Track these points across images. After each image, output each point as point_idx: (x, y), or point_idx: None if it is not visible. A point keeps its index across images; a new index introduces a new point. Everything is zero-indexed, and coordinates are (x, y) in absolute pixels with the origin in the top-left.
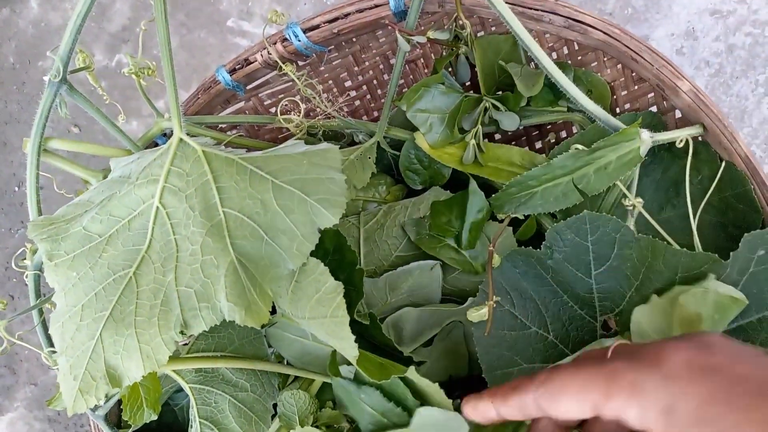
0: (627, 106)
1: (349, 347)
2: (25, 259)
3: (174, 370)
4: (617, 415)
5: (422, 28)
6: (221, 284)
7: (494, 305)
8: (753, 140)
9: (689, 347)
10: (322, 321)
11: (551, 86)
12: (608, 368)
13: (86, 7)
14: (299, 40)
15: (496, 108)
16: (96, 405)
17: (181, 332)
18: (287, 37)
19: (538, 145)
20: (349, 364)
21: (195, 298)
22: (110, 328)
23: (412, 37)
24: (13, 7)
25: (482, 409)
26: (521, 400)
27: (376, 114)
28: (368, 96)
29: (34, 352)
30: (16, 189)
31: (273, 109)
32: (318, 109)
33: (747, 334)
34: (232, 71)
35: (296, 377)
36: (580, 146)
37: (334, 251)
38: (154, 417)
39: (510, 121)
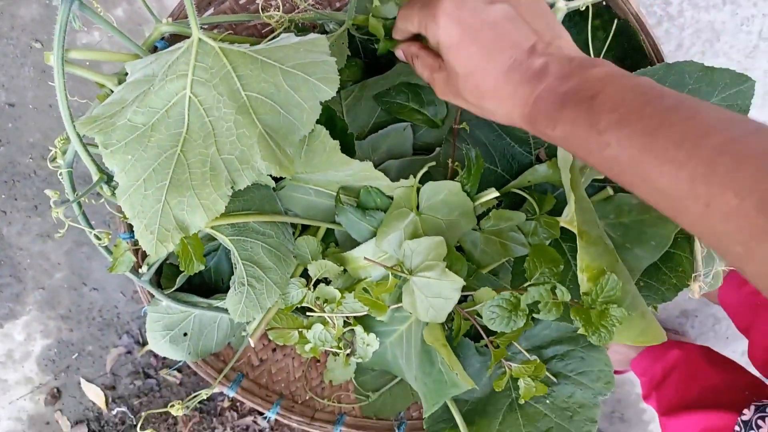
0: None
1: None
2: (55, 159)
3: (213, 228)
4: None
5: None
6: (255, 150)
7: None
8: (654, 0)
9: None
10: (328, 169)
11: None
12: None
13: None
14: None
15: None
16: (141, 273)
17: (231, 187)
18: None
19: None
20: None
21: (237, 162)
22: (173, 192)
23: None
24: None
25: (398, 27)
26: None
27: (338, 5)
28: None
29: (36, 260)
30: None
31: (249, 9)
32: (288, 5)
33: None
34: None
35: (305, 227)
36: None
37: (327, 121)
38: (202, 267)
39: None
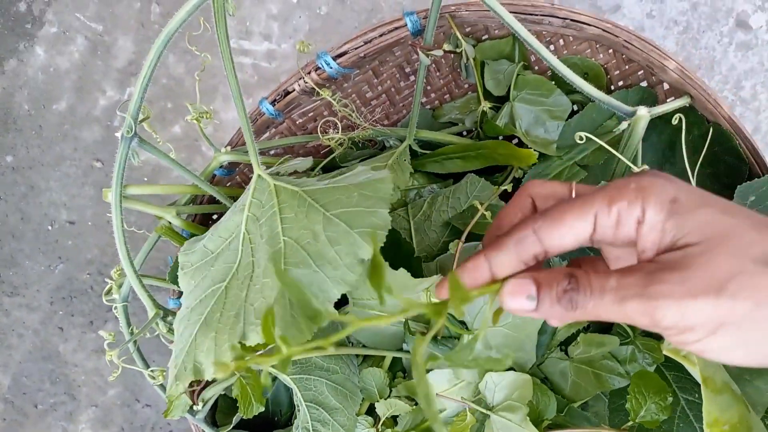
0: (620, 83)
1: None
2: (110, 291)
3: (273, 366)
4: (618, 218)
5: (434, 43)
6: (272, 305)
7: None
8: (724, 86)
9: None
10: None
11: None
12: (609, 185)
13: (150, 70)
14: (331, 67)
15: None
16: (196, 410)
17: (240, 342)
18: (320, 66)
19: None
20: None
21: (254, 314)
22: (202, 330)
23: (431, 52)
24: (20, 57)
25: (473, 270)
26: (518, 237)
27: (395, 117)
28: (387, 103)
29: (90, 377)
30: (49, 228)
31: (306, 127)
32: (346, 121)
33: None
34: (273, 102)
35: (368, 357)
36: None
37: (391, 245)
38: (262, 409)
39: None
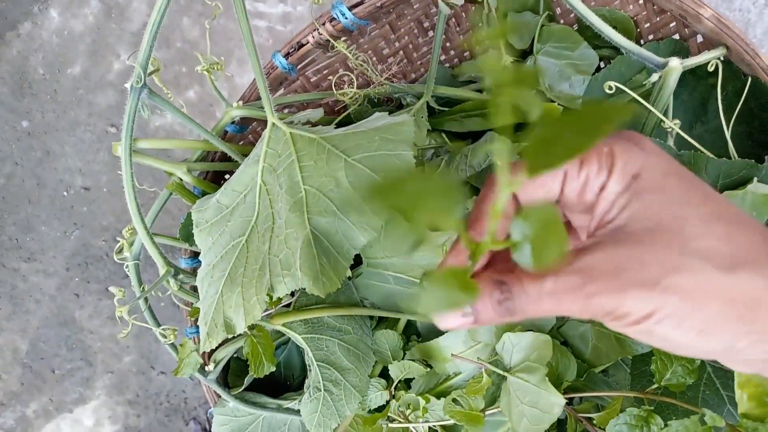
0: (650, 36)
1: None
2: (122, 251)
3: (284, 325)
4: (585, 182)
5: None
6: (298, 255)
7: None
8: (759, 50)
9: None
10: (410, 251)
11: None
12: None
13: (161, 15)
14: (346, 18)
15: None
16: (207, 371)
17: (268, 294)
18: (335, 16)
19: None
20: None
21: (280, 266)
22: (227, 286)
23: (451, 1)
24: (34, 19)
25: (456, 255)
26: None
27: (413, 77)
28: (404, 60)
29: (106, 343)
30: (65, 194)
31: (321, 85)
32: (362, 79)
33: None
34: (286, 55)
35: (383, 319)
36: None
37: None
38: (273, 368)
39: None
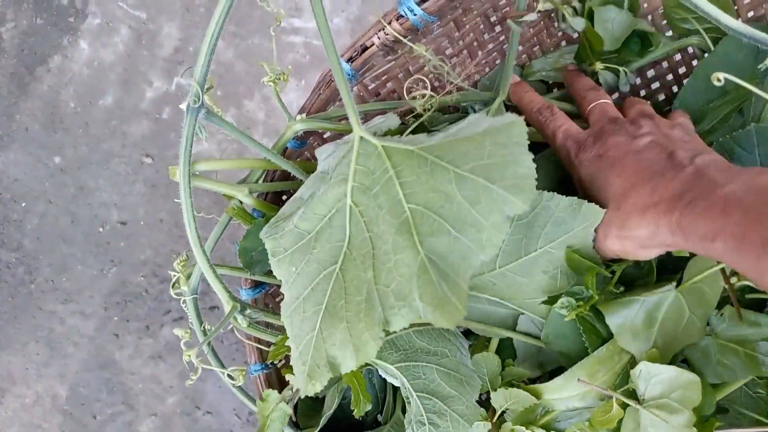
0: (750, 14)
1: None
2: (176, 284)
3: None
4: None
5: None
6: (414, 283)
7: None
8: None
9: None
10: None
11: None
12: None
13: (218, 29)
14: (414, 14)
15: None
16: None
17: (384, 329)
18: (402, 13)
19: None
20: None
21: (392, 297)
22: (327, 321)
23: (523, 19)
24: (64, 52)
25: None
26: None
27: (476, 78)
28: (468, 60)
29: (148, 384)
30: (101, 230)
31: (379, 93)
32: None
33: None
34: (349, 60)
35: (473, 343)
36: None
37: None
38: (369, 406)
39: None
